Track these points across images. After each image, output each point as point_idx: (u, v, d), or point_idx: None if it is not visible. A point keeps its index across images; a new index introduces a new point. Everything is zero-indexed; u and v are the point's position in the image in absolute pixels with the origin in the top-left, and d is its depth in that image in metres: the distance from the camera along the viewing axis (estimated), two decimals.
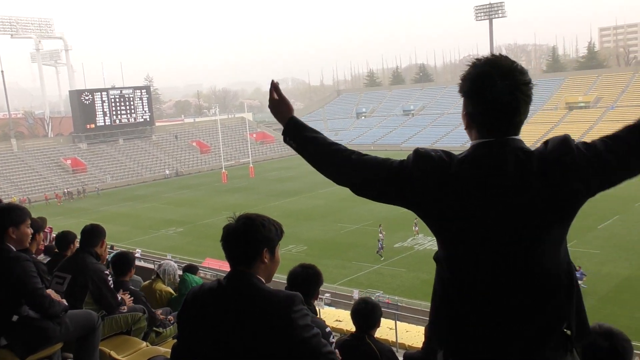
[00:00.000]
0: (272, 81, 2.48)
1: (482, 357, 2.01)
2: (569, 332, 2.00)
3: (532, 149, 2.00)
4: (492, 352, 1.99)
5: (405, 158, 2.12)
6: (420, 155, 2.06)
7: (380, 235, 32.99)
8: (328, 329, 3.53)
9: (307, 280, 3.70)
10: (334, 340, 3.53)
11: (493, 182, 1.95)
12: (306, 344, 2.37)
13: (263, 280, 2.48)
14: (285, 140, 2.43)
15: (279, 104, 2.49)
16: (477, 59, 2.04)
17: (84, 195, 63.01)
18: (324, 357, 2.40)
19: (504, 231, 1.93)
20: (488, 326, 1.99)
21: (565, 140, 1.95)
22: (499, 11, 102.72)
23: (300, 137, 2.37)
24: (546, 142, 1.98)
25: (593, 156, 1.93)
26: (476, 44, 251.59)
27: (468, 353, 2.04)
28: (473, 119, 2.04)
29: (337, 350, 3.45)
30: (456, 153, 2.08)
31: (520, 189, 1.92)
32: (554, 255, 1.96)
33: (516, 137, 2.02)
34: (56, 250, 6.25)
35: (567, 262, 2.01)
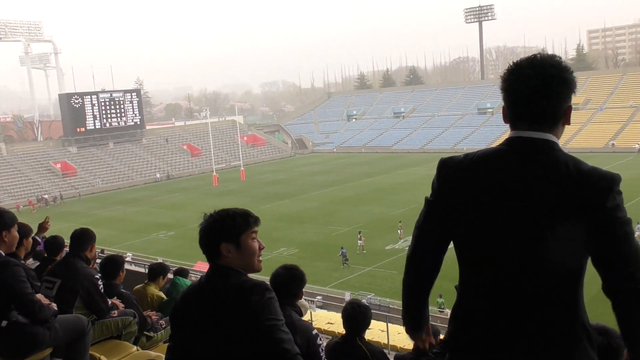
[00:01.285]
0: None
1: (490, 356, 2.03)
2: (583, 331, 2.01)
3: (568, 154, 1.97)
4: (499, 352, 2.01)
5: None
6: (440, 162, 2.16)
7: (359, 242, 33.15)
8: (314, 332, 3.51)
9: (289, 281, 3.68)
10: (321, 342, 3.52)
11: (496, 177, 1.99)
12: (264, 332, 2.35)
13: (239, 269, 2.50)
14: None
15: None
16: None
17: (62, 202, 61.15)
18: (278, 350, 2.34)
19: (506, 228, 1.95)
20: (495, 325, 2.01)
21: (612, 180, 1.90)
22: (489, 13, 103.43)
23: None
24: (593, 169, 1.92)
25: (614, 222, 1.88)
26: (466, 47, 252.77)
27: (477, 353, 2.07)
28: (505, 112, 2.09)
29: (322, 353, 3.45)
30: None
31: (520, 189, 1.93)
32: (558, 257, 1.93)
33: (548, 137, 2.00)
34: (45, 255, 6.21)
35: (579, 266, 1.99)
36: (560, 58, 2.03)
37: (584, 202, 1.87)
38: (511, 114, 2.06)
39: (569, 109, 2.03)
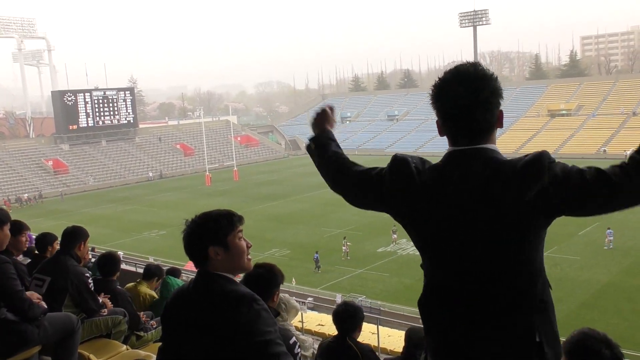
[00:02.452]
0: (330, 107, 2.55)
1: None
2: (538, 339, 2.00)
3: (507, 158, 1.99)
4: (460, 357, 2.03)
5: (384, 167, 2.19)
6: (395, 161, 2.14)
7: (344, 247, 32.99)
8: (293, 340, 3.42)
9: (260, 281, 3.42)
10: (299, 351, 3.44)
11: (455, 192, 1.98)
12: (258, 349, 2.31)
13: (227, 275, 2.47)
14: (308, 146, 2.52)
15: (327, 120, 2.53)
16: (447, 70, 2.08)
17: (41, 201, 59.89)
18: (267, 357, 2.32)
19: (467, 239, 1.97)
20: (456, 331, 2.02)
21: (540, 157, 1.90)
22: (483, 18, 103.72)
23: (322, 146, 2.47)
24: (526, 155, 1.96)
25: (562, 181, 1.86)
26: (460, 51, 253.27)
27: (442, 356, 2.09)
28: (440, 127, 2.10)
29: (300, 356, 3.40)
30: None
31: (479, 199, 1.93)
32: (519, 265, 1.96)
33: (487, 145, 2.02)
34: (36, 252, 6.18)
35: (541, 276, 2.01)
36: (481, 66, 2.02)
37: (532, 188, 1.86)
38: (447, 130, 2.08)
39: (501, 113, 2.05)
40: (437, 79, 2.07)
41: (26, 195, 60.67)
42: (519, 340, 1.96)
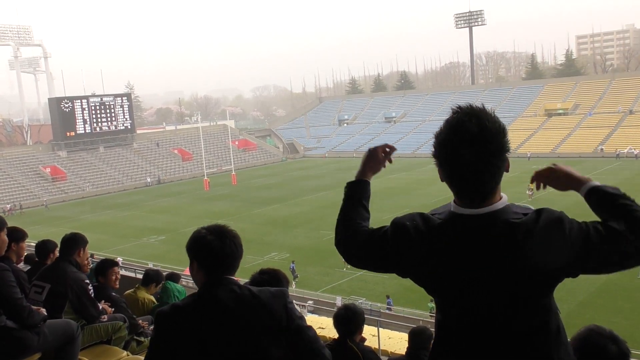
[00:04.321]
0: (392, 148, 2.49)
1: None
2: None
3: (517, 220, 1.92)
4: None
5: (387, 228, 2.18)
6: (395, 227, 2.12)
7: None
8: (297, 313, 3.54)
9: (266, 286, 3.60)
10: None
11: (468, 255, 1.94)
12: (302, 333, 2.56)
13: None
14: (347, 186, 2.49)
15: (377, 162, 2.47)
16: (452, 113, 1.97)
17: (21, 212, 57.71)
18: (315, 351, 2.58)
19: (479, 300, 1.96)
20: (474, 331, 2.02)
21: (559, 222, 1.88)
22: (479, 19, 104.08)
23: (353, 198, 2.43)
24: (538, 213, 1.91)
25: (583, 244, 1.87)
26: (457, 51, 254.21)
27: None
28: (445, 181, 2.02)
29: None
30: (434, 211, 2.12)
31: (495, 262, 1.90)
32: (532, 320, 1.96)
33: (496, 197, 1.96)
34: (36, 259, 6.18)
35: (555, 321, 2.01)
36: (486, 120, 1.91)
37: (552, 255, 1.87)
38: (451, 188, 2.01)
39: (508, 163, 1.97)
40: (439, 133, 1.97)
41: (8, 206, 59.07)
42: None
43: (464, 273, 1.95)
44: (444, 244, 1.98)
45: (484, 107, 1.96)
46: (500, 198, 1.98)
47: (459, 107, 1.97)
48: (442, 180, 2.04)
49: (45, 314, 4.34)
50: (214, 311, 2.45)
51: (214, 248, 2.53)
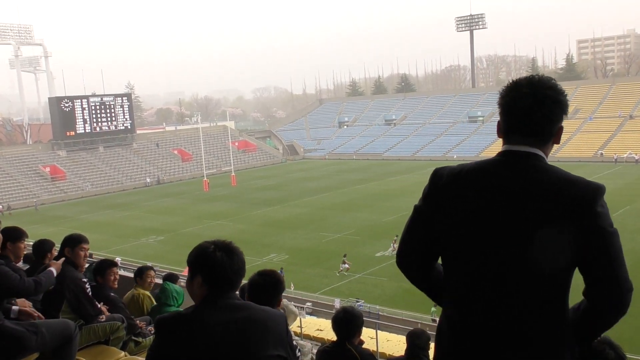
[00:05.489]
0: None
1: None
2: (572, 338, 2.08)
3: (550, 167, 2.04)
4: (487, 353, 2.05)
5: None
6: (434, 171, 2.24)
7: (345, 265, 31.18)
8: (294, 343, 3.51)
9: (265, 289, 3.58)
10: (298, 355, 3.51)
11: (486, 185, 2.06)
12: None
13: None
14: None
15: None
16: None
17: (10, 214, 55.29)
18: None
19: (494, 233, 2.01)
20: (479, 335, 2.05)
21: (597, 190, 1.97)
22: (480, 22, 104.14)
23: None
24: (575, 181, 1.98)
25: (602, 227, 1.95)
26: (457, 55, 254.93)
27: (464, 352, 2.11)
28: (499, 126, 2.18)
29: None
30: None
31: (510, 197, 2.00)
32: (544, 264, 1.98)
33: (534, 150, 2.07)
34: (34, 258, 6.17)
35: (565, 277, 2.04)
36: (556, 81, 2.11)
37: (570, 210, 1.93)
38: (506, 128, 2.14)
39: (560, 129, 2.11)
40: (510, 81, 2.15)
41: (0, 206, 58.54)
42: (548, 335, 2.02)
43: (492, 204, 2.03)
44: (479, 175, 2.11)
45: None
46: (546, 155, 2.10)
47: None
48: (498, 135, 2.19)
49: (42, 315, 4.34)
50: (214, 326, 2.41)
51: (222, 265, 2.48)
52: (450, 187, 2.13)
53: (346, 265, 31.20)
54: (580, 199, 1.94)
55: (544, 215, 1.95)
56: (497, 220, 2.00)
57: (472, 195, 2.07)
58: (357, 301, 25.24)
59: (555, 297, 2.02)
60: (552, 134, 2.09)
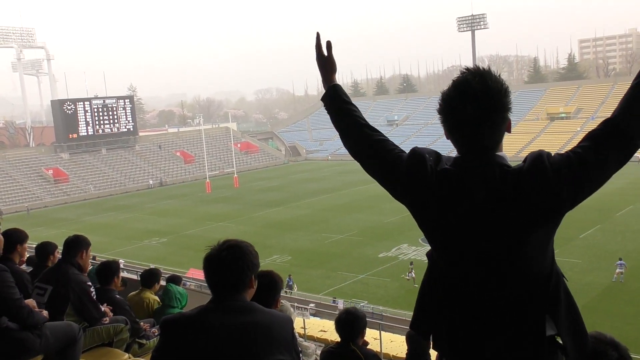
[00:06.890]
0: (328, 41, 2.53)
1: (465, 356, 2.08)
2: (560, 341, 2.04)
3: (513, 165, 2.01)
4: (474, 352, 2.05)
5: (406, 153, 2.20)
6: (413, 155, 2.13)
7: (410, 274, 27.93)
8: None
9: (263, 289, 3.43)
10: (301, 356, 3.50)
11: (468, 195, 1.99)
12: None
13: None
14: (324, 102, 2.57)
15: (327, 61, 2.54)
16: (460, 73, 2.04)
17: (1, 218, 52.89)
18: None
19: (479, 241, 1.98)
20: (469, 327, 2.05)
21: (539, 157, 1.93)
22: (481, 23, 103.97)
23: (336, 106, 2.54)
24: (525, 159, 1.98)
25: (566, 170, 1.90)
26: (459, 55, 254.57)
27: (455, 351, 2.11)
28: (448, 137, 2.12)
29: None
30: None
31: (493, 204, 1.95)
32: (532, 263, 1.99)
33: (496, 152, 2.03)
34: (36, 260, 6.18)
35: (552, 271, 2.04)
36: (488, 78, 1.97)
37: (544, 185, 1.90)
38: (454, 143, 2.09)
39: (509, 122, 2.04)
40: (443, 92, 2.06)
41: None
42: (529, 334, 1.99)
43: (465, 217, 1.98)
44: (447, 191, 2.02)
45: (489, 68, 2.01)
46: (500, 149, 2.05)
47: (466, 68, 2.04)
48: (447, 138, 2.13)
49: (47, 316, 4.34)
50: (219, 329, 2.40)
51: (222, 266, 2.48)
52: (429, 189, 2.09)
53: (412, 274, 27.70)
54: (541, 178, 1.92)
55: (522, 211, 1.94)
56: (479, 224, 1.98)
57: (450, 202, 2.04)
58: (358, 302, 25.21)
59: (539, 304, 2.01)
60: (502, 134, 2.06)
